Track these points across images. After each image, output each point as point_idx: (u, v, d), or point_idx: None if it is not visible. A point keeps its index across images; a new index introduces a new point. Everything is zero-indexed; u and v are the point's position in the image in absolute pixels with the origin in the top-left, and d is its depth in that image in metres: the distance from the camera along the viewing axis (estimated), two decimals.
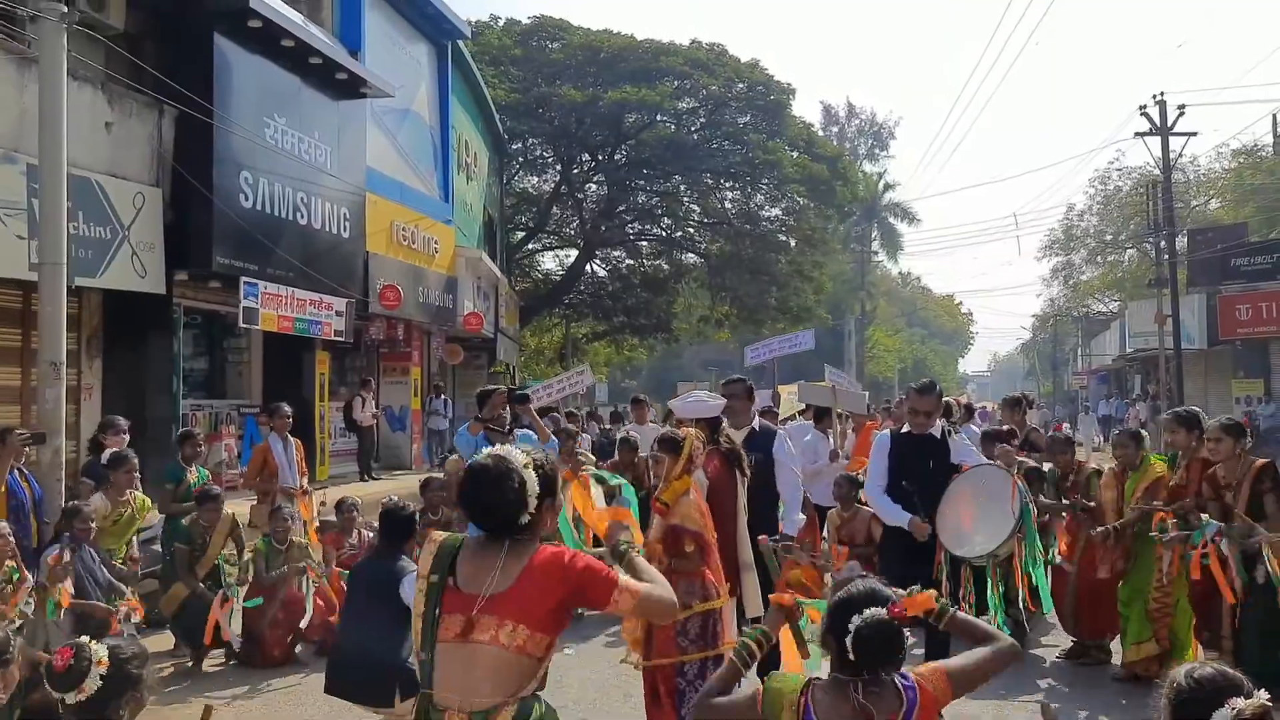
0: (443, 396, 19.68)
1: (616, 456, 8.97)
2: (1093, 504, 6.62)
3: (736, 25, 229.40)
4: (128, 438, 8.10)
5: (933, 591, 2.64)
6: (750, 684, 2.63)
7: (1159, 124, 25.62)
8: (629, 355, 41.33)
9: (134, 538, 7.38)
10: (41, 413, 7.82)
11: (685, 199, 32.41)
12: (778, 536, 5.72)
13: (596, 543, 4.87)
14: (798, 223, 32.03)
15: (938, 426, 6.12)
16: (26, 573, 5.52)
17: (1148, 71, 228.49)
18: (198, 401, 13.59)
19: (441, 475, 9.06)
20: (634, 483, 6.73)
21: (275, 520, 7.37)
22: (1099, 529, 6.37)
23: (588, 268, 33.26)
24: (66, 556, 5.78)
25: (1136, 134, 26.21)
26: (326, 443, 15.23)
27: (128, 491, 7.18)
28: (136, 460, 7.35)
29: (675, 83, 29.65)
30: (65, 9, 8.05)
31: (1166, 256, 26.44)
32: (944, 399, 6.98)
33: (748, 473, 5.49)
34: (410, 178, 18.06)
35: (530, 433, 7.79)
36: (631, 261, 34.02)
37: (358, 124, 15.15)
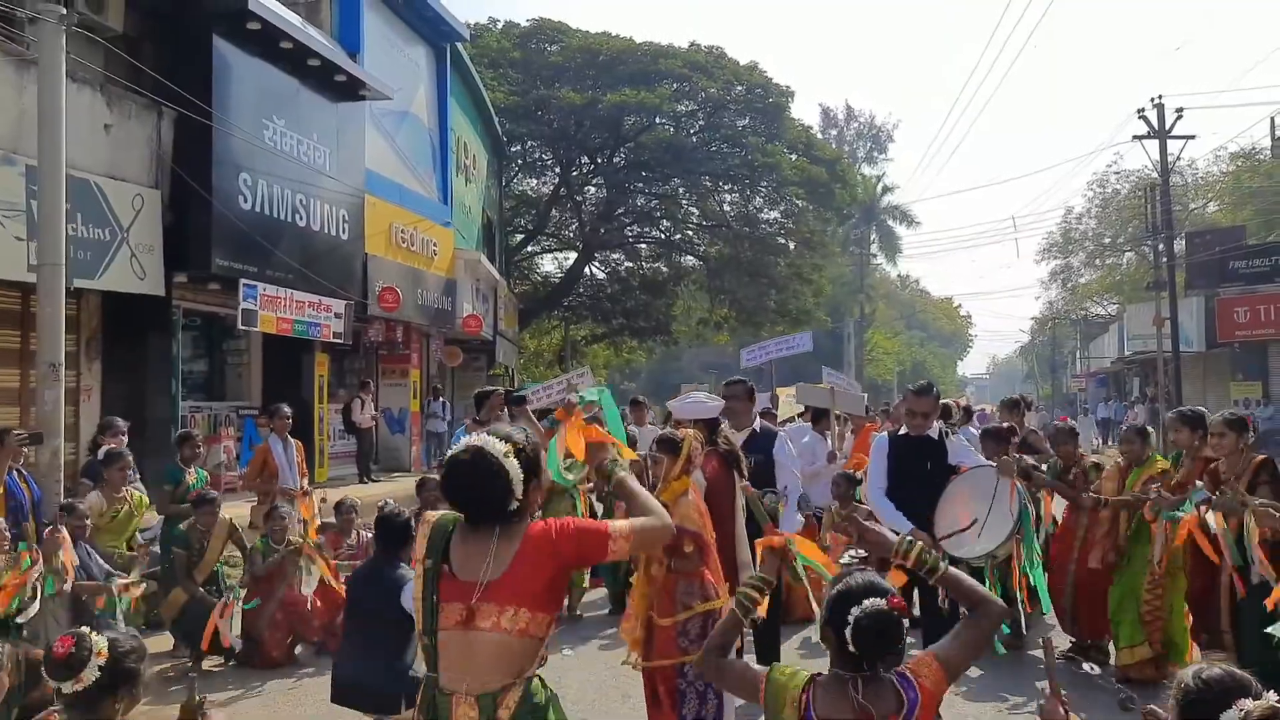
0: (441, 399, 19.68)
1: None
2: (1095, 492, 6.63)
3: (735, 28, 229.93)
4: (126, 439, 8.11)
5: (920, 545, 2.68)
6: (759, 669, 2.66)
7: (1157, 127, 25.65)
8: (628, 358, 41.35)
9: (136, 535, 7.38)
10: (40, 414, 7.82)
11: (684, 201, 32.44)
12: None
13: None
14: (796, 225, 32.04)
15: (935, 428, 6.13)
16: (33, 552, 5.50)
17: (1146, 74, 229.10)
18: (197, 403, 13.59)
19: (438, 476, 9.04)
20: None
21: (272, 520, 7.38)
22: (1091, 494, 6.41)
23: (587, 270, 33.27)
24: (62, 530, 5.77)
25: (1135, 137, 26.26)
26: (325, 445, 15.23)
27: (124, 489, 7.18)
28: (130, 457, 7.36)
29: (674, 85, 29.68)
30: (64, 11, 8.06)
31: (1165, 259, 26.47)
32: (943, 401, 6.99)
33: (745, 474, 5.50)
34: (409, 180, 18.07)
35: None
36: (630, 264, 34.04)
37: (356, 126, 15.16)
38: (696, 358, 51.58)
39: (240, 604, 6.89)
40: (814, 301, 33.39)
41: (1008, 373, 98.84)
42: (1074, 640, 6.89)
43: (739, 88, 30.57)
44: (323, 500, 9.24)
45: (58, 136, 7.89)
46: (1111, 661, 6.55)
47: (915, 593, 5.90)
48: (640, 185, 31.67)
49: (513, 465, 2.57)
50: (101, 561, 6.44)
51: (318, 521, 8.53)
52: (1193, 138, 38.00)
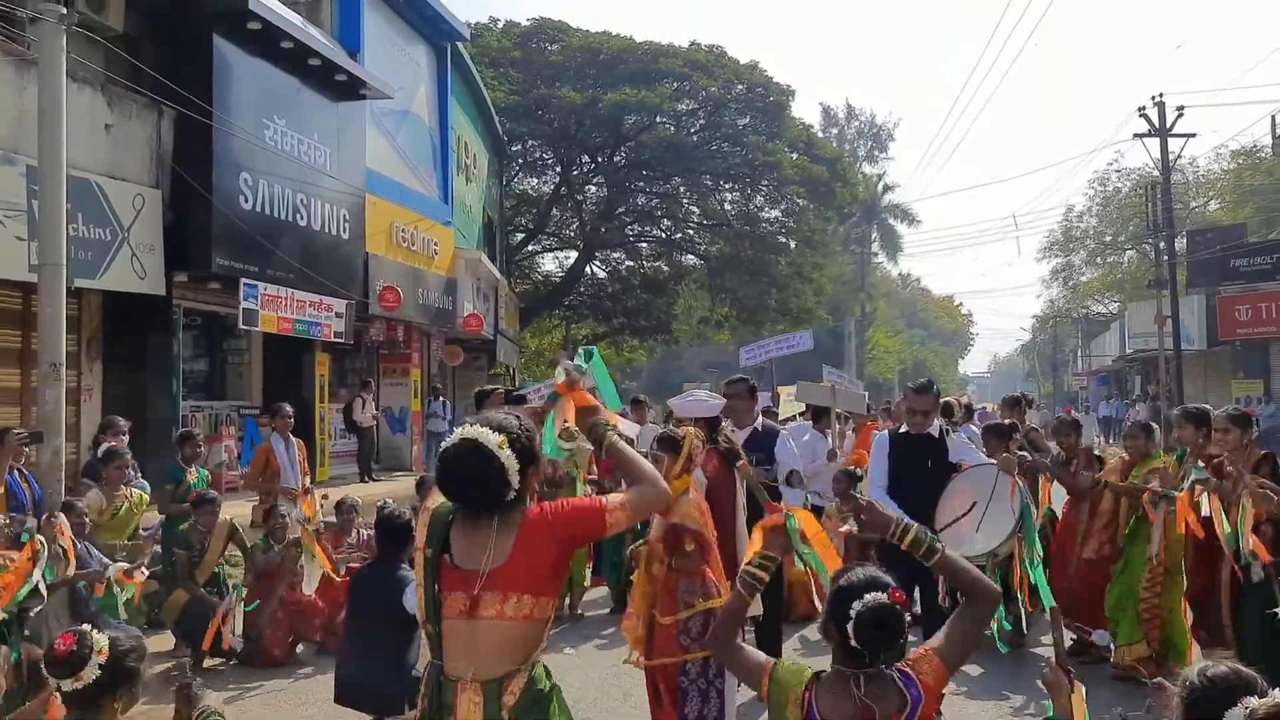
0: (441, 399, 19.68)
1: None
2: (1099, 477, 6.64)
3: (736, 27, 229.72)
4: (128, 438, 8.12)
5: (918, 528, 2.69)
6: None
7: (1158, 125, 25.64)
8: (629, 357, 41.32)
9: (139, 533, 7.39)
10: (41, 414, 7.83)
11: (685, 200, 32.42)
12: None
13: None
14: (797, 224, 32.03)
15: (936, 426, 6.13)
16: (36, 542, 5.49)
17: (1147, 72, 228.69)
18: (198, 403, 13.60)
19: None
20: None
21: (271, 519, 7.38)
22: (1089, 472, 6.42)
23: (587, 269, 33.27)
24: (61, 516, 5.77)
25: (1135, 135, 26.25)
26: (326, 444, 15.24)
27: (124, 487, 7.18)
28: (129, 455, 7.36)
29: (675, 84, 29.67)
30: (64, 11, 8.07)
31: (1166, 257, 26.46)
32: (945, 399, 6.98)
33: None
34: (410, 179, 18.07)
35: None
36: (631, 263, 34.02)
37: (357, 125, 15.16)
38: (697, 357, 51.56)
39: (242, 604, 6.89)
40: (815, 300, 33.37)
41: (1009, 371, 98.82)
42: (1074, 639, 6.89)
43: (739, 87, 30.56)
44: (324, 497, 9.25)
45: (58, 136, 7.89)
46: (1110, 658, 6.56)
47: (916, 591, 5.90)
48: (641, 184, 31.66)
49: (508, 456, 2.55)
50: (102, 557, 6.44)
51: (319, 520, 8.53)
52: (1194, 136, 38.01)
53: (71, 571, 5.67)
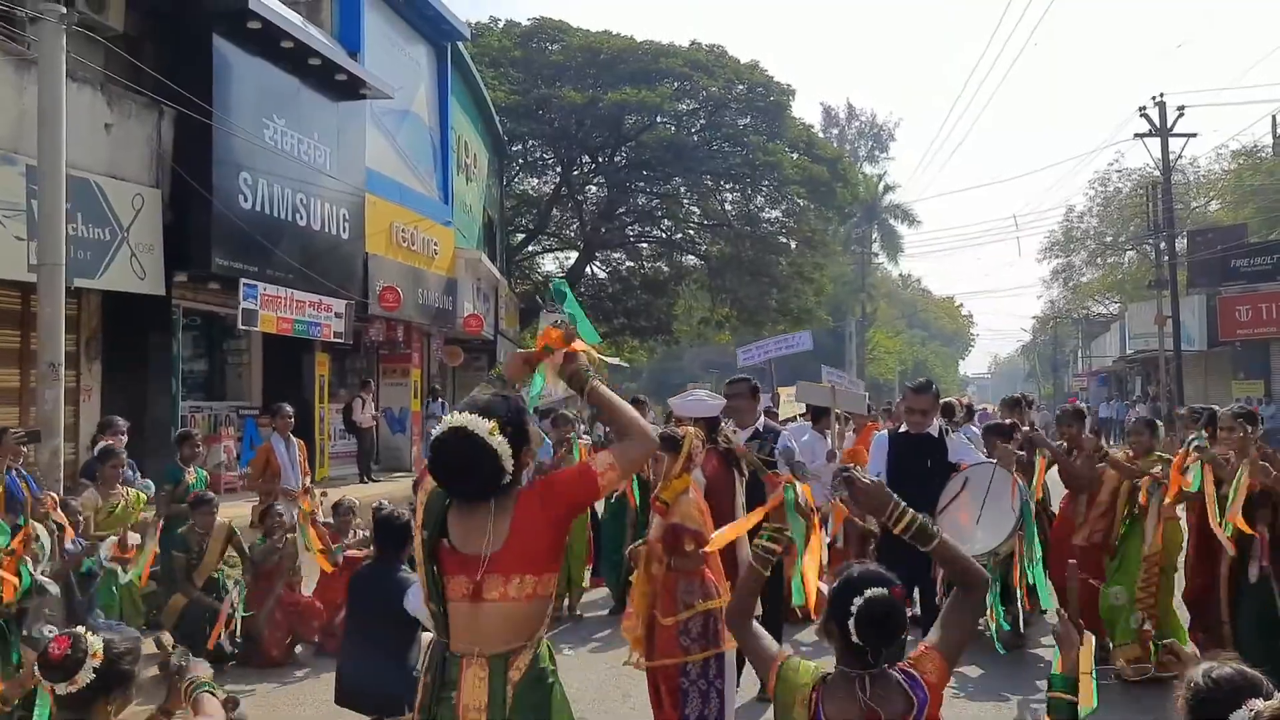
0: (440, 399, 19.65)
1: None
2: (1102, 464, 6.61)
3: (736, 26, 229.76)
4: (126, 438, 8.10)
5: (913, 512, 2.66)
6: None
7: (1158, 125, 25.64)
8: (629, 357, 41.25)
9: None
10: (40, 414, 7.82)
11: (685, 201, 32.41)
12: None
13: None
14: (798, 224, 32.02)
15: (935, 425, 6.12)
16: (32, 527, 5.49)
17: (1147, 72, 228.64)
18: (197, 403, 13.59)
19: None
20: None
21: (269, 518, 7.38)
22: (1088, 452, 6.40)
23: (588, 269, 33.25)
24: (52, 494, 5.76)
25: (1136, 135, 26.26)
26: (326, 444, 15.23)
27: (120, 486, 7.18)
28: (124, 454, 7.36)
29: (675, 84, 29.66)
30: (64, 10, 8.07)
31: (1166, 258, 26.47)
32: (945, 399, 6.97)
33: (746, 472, 5.49)
34: (410, 179, 18.06)
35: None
36: (631, 263, 34.01)
37: (357, 125, 15.15)
38: (698, 357, 51.57)
39: (241, 603, 6.87)
40: (815, 300, 33.36)
41: (1009, 372, 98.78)
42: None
43: (740, 86, 30.54)
44: (323, 495, 9.24)
45: (58, 136, 7.89)
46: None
47: (916, 592, 5.89)
48: (641, 184, 31.66)
49: (499, 442, 2.54)
50: (102, 555, 6.43)
51: (319, 519, 8.52)
52: (1194, 136, 37.86)
53: (71, 545, 5.62)
